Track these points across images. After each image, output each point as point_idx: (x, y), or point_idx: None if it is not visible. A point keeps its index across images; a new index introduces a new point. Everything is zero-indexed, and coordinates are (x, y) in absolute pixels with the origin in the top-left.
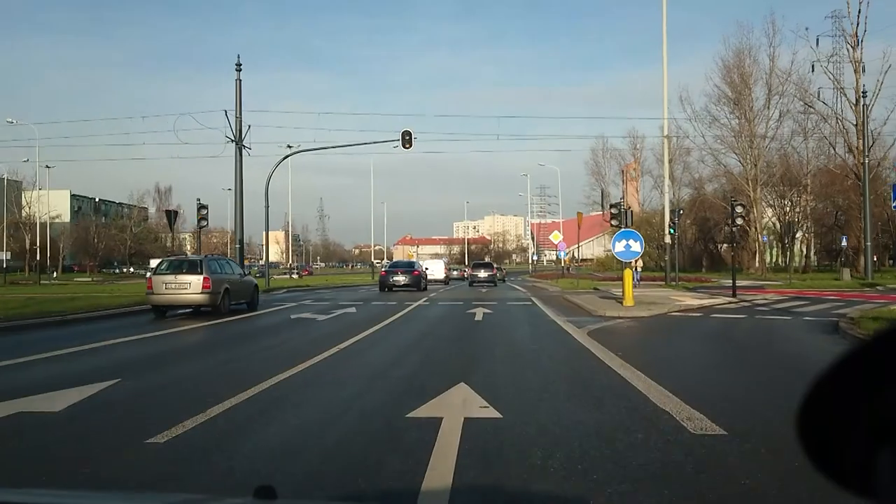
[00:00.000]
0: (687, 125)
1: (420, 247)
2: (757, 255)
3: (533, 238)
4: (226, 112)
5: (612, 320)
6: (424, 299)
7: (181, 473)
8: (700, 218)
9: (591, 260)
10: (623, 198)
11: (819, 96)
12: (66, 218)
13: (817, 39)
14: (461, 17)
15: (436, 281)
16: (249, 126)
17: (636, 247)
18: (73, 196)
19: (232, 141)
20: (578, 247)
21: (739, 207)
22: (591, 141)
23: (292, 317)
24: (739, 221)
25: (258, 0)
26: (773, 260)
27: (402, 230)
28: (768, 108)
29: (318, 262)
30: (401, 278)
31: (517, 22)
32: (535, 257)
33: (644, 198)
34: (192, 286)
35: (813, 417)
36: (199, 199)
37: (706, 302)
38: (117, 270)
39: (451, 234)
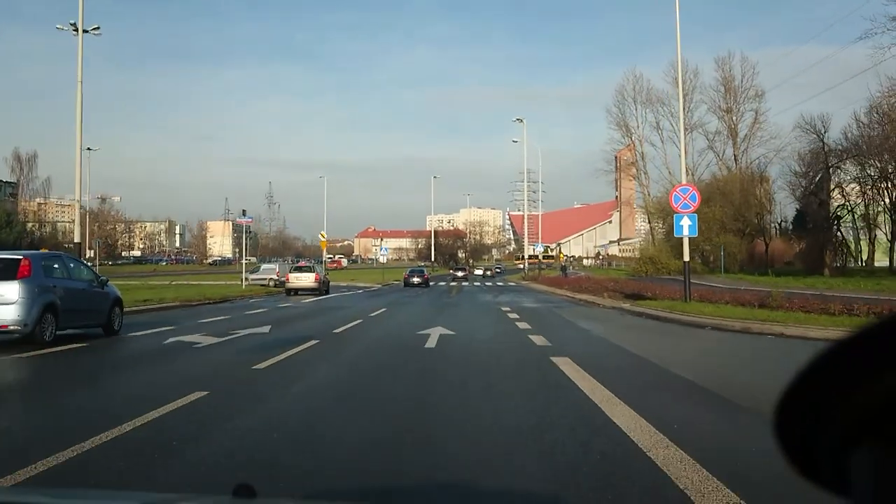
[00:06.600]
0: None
1: (384, 240)
2: None
3: (514, 229)
4: None
5: None
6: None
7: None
8: (801, 190)
9: (583, 257)
10: (618, 190)
11: None
12: None
13: None
14: (445, 14)
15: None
16: None
17: None
18: None
19: None
20: (566, 242)
21: None
22: (620, 77)
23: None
24: None
25: None
26: (863, 257)
27: (369, 222)
28: None
29: (247, 257)
30: (416, 279)
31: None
32: (537, 248)
33: (693, 162)
34: (309, 279)
35: (788, 415)
36: None
37: None
38: None
39: (423, 227)
